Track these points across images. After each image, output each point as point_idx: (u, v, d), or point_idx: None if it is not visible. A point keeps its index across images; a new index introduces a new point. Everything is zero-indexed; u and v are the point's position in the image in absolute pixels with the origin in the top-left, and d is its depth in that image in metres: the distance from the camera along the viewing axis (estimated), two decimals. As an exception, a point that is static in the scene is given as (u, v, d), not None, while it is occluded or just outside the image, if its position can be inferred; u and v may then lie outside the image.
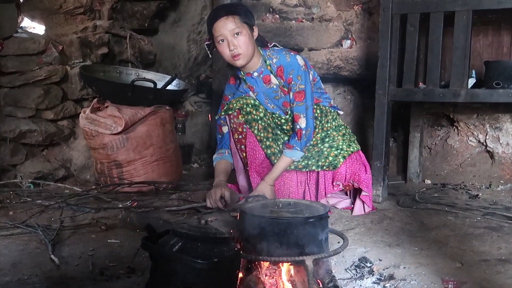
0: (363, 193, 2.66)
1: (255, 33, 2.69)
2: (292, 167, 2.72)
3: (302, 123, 2.68)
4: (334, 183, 2.71)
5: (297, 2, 4.15)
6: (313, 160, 2.71)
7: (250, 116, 2.75)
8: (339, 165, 2.67)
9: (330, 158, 2.69)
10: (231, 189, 2.76)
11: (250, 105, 2.76)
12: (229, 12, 2.60)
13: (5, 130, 3.17)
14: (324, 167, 2.69)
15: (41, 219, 2.45)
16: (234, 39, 2.58)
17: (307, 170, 2.72)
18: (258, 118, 2.76)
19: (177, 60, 4.27)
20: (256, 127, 2.76)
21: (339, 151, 2.71)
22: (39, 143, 3.30)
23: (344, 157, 2.69)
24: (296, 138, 2.69)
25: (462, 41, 2.80)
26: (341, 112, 2.95)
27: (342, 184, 2.71)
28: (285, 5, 4.15)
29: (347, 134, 2.84)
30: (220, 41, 2.61)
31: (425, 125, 3.70)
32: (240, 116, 2.76)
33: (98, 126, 3.11)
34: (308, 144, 2.73)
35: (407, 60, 2.96)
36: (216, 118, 2.91)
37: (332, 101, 2.93)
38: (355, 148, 2.77)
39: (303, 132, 2.68)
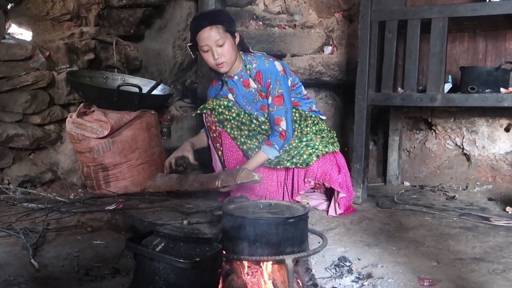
0: (340, 194, 2.69)
1: (237, 39, 2.74)
2: (266, 163, 2.75)
3: (283, 125, 2.73)
4: (306, 180, 2.73)
5: (280, 10, 4.19)
6: (288, 157, 2.74)
7: (222, 116, 2.82)
8: (311, 163, 2.70)
9: (305, 156, 2.72)
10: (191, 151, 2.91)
11: (222, 106, 2.83)
12: (213, 22, 2.62)
13: (-8, 134, 3.17)
14: (298, 165, 2.71)
15: (27, 222, 2.46)
16: (218, 48, 2.64)
17: (280, 167, 2.75)
18: (231, 118, 2.82)
19: (163, 66, 4.28)
20: (228, 126, 2.82)
21: (313, 150, 2.74)
22: (26, 147, 3.30)
23: (317, 156, 2.71)
24: (278, 137, 2.73)
25: (438, 47, 2.85)
26: (323, 117, 2.97)
27: (314, 181, 2.73)
28: (268, 12, 4.20)
29: (326, 137, 2.87)
30: (205, 50, 2.67)
31: (404, 128, 3.74)
32: (213, 116, 2.83)
33: (85, 130, 3.13)
34: (286, 146, 2.78)
35: (386, 65, 3.00)
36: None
37: (314, 106, 2.96)
38: (331, 149, 2.78)
39: (286, 134, 2.73)
